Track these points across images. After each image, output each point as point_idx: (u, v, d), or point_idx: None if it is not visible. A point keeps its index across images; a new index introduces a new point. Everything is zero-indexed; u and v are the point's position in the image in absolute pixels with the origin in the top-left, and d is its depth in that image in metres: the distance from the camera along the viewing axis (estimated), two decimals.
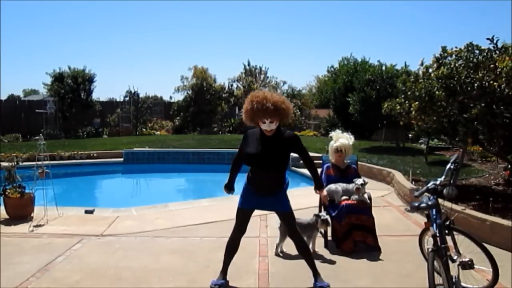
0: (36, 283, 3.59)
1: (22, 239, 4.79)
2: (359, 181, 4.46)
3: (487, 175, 8.01)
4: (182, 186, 11.54)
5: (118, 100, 22.75)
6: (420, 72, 6.40)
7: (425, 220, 3.35)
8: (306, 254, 3.50)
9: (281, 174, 3.34)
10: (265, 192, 3.30)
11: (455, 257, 3.03)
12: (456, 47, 5.94)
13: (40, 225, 5.33)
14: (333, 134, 4.91)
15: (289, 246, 4.53)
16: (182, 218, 5.74)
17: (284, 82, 29.06)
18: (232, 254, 3.48)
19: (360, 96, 12.84)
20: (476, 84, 5.38)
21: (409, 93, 6.30)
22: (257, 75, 29.26)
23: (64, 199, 6.97)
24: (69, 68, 20.30)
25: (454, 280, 2.86)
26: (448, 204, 3.38)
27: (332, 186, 4.54)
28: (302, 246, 3.48)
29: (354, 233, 4.32)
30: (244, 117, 3.17)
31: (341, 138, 4.72)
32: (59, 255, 4.22)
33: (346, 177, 4.65)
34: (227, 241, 3.51)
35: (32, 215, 5.70)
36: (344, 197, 4.50)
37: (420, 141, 14.65)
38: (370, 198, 4.58)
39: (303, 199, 6.75)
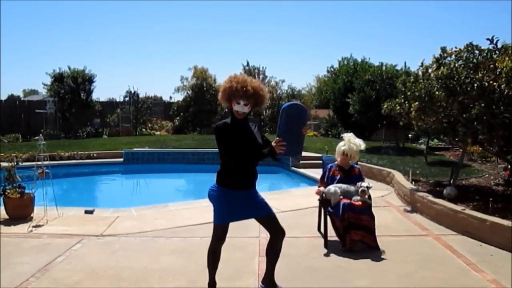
0: (36, 283, 3.58)
1: (22, 239, 4.79)
2: (364, 184, 4.50)
3: (487, 175, 8.01)
4: (182, 186, 11.54)
5: (118, 100, 22.80)
6: (420, 73, 6.40)
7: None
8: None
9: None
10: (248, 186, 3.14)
11: None
12: (455, 47, 5.93)
13: (40, 225, 5.32)
14: (345, 135, 4.89)
15: (289, 246, 4.54)
16: (182, 218, 5.74)
17: (283, 81, 29.08)
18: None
19: (360, 96, 12.85)
20: (476, 84, 5.38)
21: (409, 93, 6.29)
22: (256, 75, 29.28)
23: (64, 199, 6.98)
24: (69, 68, 20.34)
25: None
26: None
27: (331, 188, 4.54)
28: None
29: (352, 232, 4.33)
30: (221, 96, 3.03)
31: (351, 144, 4.70)
32: (59, 255, 4.21)
33: (349, 178, 4.67)
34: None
35: (32, 215, 5.69)
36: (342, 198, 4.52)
37: (420, 141, 14.66)
38: (370, 198, 4.59)
39: (303, 199, 6.77)
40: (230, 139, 2.95)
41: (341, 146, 4.73)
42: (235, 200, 3.08)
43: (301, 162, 10.93)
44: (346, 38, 65.90)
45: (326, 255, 4.28)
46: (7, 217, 5.61)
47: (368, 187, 4.49)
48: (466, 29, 59.02)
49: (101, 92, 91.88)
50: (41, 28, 77.92)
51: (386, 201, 6.81)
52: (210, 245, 3.22)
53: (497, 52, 5.48)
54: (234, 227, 5.22)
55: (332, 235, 4.52)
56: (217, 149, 3.09)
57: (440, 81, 5.75)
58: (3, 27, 59.78)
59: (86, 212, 6.06)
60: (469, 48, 5.69)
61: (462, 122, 5.59)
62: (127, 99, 21.37)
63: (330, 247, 4.41)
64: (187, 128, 21.36)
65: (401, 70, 12.59)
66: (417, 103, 6.04)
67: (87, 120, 19.74)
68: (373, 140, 15.44)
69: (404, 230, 5.16)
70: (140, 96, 21.74)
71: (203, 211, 6.10)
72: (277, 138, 2.89)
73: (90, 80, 20.40)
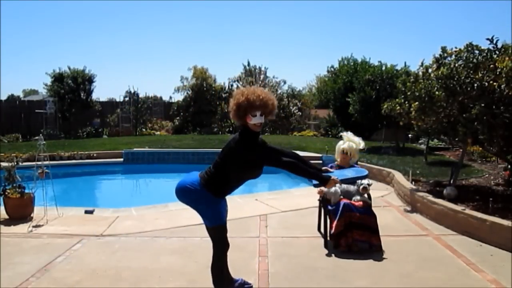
0: (36, 283, 3.58)
1: (22, 239, 4.79)
2: (365, 181, 4.49)
3: (487, 175, 8.01)
4: None
5: (118, 100, 22.78)
6: (420, 72, 6.40)
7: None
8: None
9: None
10: None
11: None
12: (456, 47, 5.94)
13: (40, 225, 5.33)
14: (344, 134, 4.90)
15: (289, 246, 4.54)
16: (182, 218, 5.74)
17: (284, 82, 29.06)
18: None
19: (360, 96, 12.84)
20: (476, 84, 5.38)
21: (409, 93, 6.29)
22: (257, 75, 29.26)
23: (64, 199, 6.97)
24: (69, 68, 20.33)
25: None
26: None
27: (332, 188, 4.53)
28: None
29: (353, 231, 4.30)
30: (234, 113, 2.90)
31: (350, 142, 4.71)
32: (59, 255, 4.22)
33: None
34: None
35: (32, 215, 5.69)
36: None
37: (420, 141, 14.65)
38: (370, 198, 4.59)
39: (303, 199, 6.77)
40: (267, 149, 3.10)
41: (341, 144, 4.74)
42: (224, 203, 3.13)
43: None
44: (346, 38, 65.96)
45: (326, 255, 4.27)
46: (7, 217, 5.62)
47: (369, 184, 4.50)
48: (466, 29, 59.01)
49: (101, 92, 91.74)
50: (41, 28, 77.93)
51: (386, 201, 6.81)
52: (217, 262, 3.04)
53: (497, 52, 5.49)
54: (235, 227, 5.23)
55: None
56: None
57: (440, 81, 5.75)
58: (4, 27, 59.79)
59: (86, 212, 6.06)
60: (469, 48, 5.69)
61: (462, 122, 5.59)
62: (127, 99, 21.36)
63: (330, 247, 4.41)
64: (187, 128, 21.36)
65: (401, 70, 12.58)
66: (417, 103, 6.04)
67: (87, 120, 19.73)
68: (373, 140, 15.42)
69: (404, 230, 5.16)
70: (140, 96, 21.75)
71: None
72: (339, 179, 3.17)
73: (90, 80, 20.40)
